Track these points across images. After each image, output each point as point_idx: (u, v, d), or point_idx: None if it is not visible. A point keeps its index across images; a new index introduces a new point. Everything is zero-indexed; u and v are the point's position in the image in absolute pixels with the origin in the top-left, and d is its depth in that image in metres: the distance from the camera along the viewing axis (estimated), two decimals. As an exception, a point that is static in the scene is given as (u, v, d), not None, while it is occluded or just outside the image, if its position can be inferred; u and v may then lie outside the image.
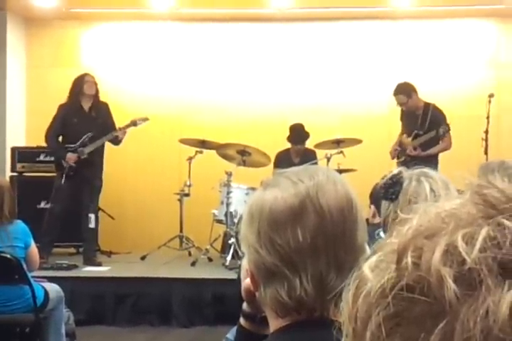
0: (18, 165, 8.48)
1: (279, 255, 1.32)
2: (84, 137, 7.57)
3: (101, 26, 9.49)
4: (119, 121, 7.80)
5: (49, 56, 9.49)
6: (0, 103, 9.05)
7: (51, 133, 7.67)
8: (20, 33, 9.43)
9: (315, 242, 1.31)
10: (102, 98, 7.86)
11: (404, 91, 7.59)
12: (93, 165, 7.62)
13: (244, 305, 1.58)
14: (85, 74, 7.74)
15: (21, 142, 9.19)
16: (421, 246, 0.55)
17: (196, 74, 9.38)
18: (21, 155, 8.51)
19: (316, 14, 9.17)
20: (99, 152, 7.75)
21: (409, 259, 0.55)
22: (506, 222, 0.53)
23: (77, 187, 7.55)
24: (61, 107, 7.71)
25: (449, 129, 7.39)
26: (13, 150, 8.58)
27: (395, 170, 2.44)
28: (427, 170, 2.41)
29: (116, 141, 7.76)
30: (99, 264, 7.58)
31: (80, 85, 7.62)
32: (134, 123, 7.75)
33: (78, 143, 7.58)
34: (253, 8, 9.04)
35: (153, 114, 8.16)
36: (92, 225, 7.61)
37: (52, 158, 8.01)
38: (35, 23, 9.45)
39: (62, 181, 7.43)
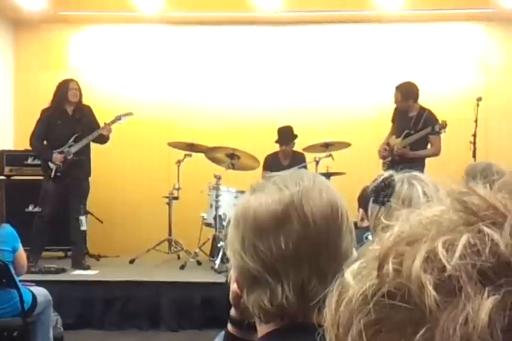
0: (6, 169, 8.45)
1: (261, 262, 1.31)
2: (71, 140, 7.56)
3: (89, 29, 9.47)
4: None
5: (37, 59, 9.45)
6: (-12, 106, 9.04)
7: (36, 137, 7.66)
8: (8, 35, 9.40)
9: (297, 250, 1.30)
10: (90, 101, 7.85)
11: (404, 91, 7.60)
12: (80, 165, 7.59)
13: (232, 311, 1.58)
14: (70, 81, 7.71)
15: (9, 145, 9.15)
16: (402, 253, 0.55)
17: (185, 77, 9.37)
18: (9, 158, 8.48)
19: (305, 17, 9.18)
20: (85, 152, 7.72)
21: (390, 266, 0.54)
22: (486, 229, 0.53)
23: (65, 189, 7.53)
24: (44, 111, 7.70)
25: (446, 126, 7.33)
26: (1, 153, 8.55)
27: (386, 174, 2.43)
28: (416, 173, 2.41)
29: (102, 140, 7.73)
30: (88, 268, 7.56)
31: (64, 91, 7.61)
32: (118, 119, 7.76)
33: (65, 146, 7.56)
34: (242, 12, 9.04)
35: (142, 118, 8.15)
36: (83, 227, 7.60)
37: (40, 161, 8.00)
38: (23, 26, 9.42)
39: (50, 182, 7.41)
